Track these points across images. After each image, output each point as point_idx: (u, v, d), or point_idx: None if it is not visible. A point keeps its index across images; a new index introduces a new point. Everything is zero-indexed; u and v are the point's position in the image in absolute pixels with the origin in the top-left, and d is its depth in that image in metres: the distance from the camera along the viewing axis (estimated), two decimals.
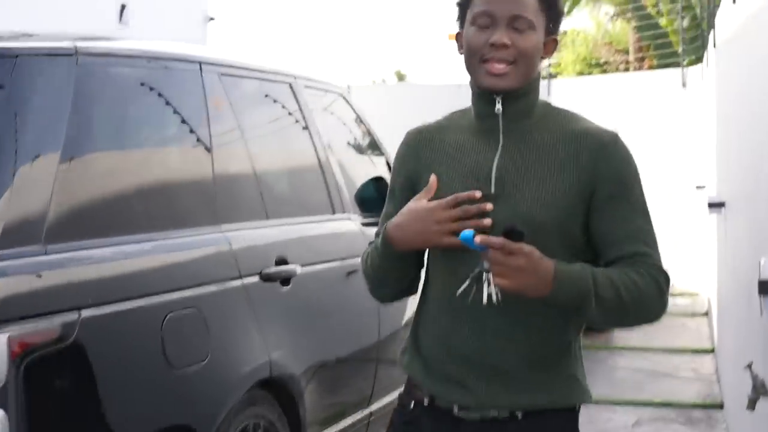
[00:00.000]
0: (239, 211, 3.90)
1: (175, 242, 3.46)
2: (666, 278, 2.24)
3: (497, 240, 2.06)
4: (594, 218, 2.26)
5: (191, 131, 3.79)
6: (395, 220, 2.29)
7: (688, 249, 13.04)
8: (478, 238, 2.08)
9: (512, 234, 2.07)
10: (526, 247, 2.07)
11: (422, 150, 2.40)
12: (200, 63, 3.94)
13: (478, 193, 2.23)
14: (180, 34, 12.80)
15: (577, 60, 23.79)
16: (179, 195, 3.62)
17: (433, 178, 2.29)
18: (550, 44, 2.35)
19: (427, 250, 2.38)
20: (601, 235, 2.26)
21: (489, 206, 2.22)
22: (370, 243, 2.43)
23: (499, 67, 2.25)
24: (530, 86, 2.31)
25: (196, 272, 3.54)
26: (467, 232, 2.12)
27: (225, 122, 3.99)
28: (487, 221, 2.21)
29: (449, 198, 2.23)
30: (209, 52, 4.16)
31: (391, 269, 2.35)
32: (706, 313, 11.41)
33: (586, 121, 2.34)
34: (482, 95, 2.31)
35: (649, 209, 2.31)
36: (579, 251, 2.25)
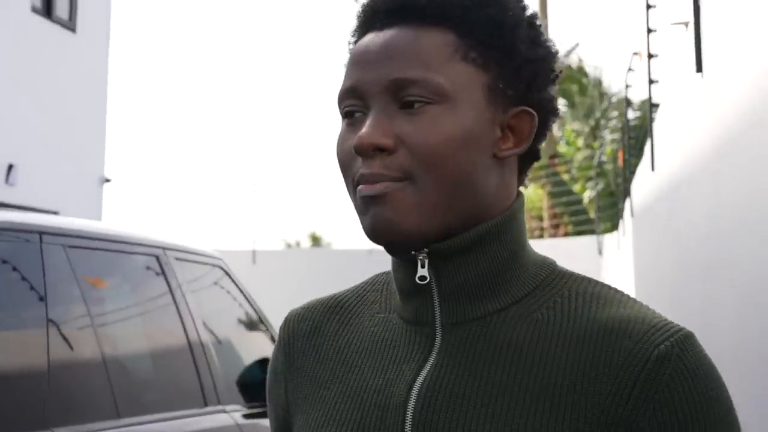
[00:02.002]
0: (78, 412, 3.32)
1: None
2: None
3: None
4: None
5: (24, 314, 3.26)
6: None
7: None
8: None
9: None
10: None
11: (299, 354, 1.33)
12: (40, 233, 3.41)
13: None
14: (75, 196, 12.34)
15: None
16: (1, 391, 3.05)
17: None
18: (520, 124, 1.19)
19: None
20: None
21: None
22: None
23: (371, 189, 1.13)
24: (487, 231, 1.18)
25: None
26: None
27: (68, 302, 3.45)
28: None
29: None
30: (54, 221, 3.63)
31: None
32: None
33: (634, 306, 1.17)
34: (390, 252, 1.22)
35: None
36: None
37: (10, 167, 11.44)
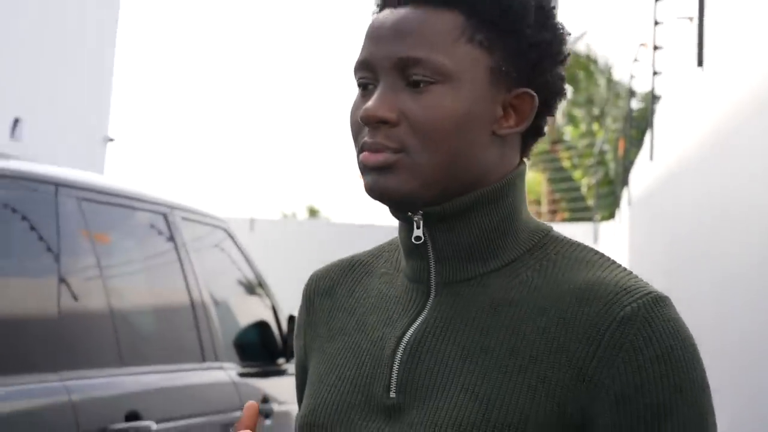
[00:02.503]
0: (86, 356, 3.44)
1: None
2: None
3: None
4: None
5: (38, 261, 3.37)
6: None
7: None
8: None
9: None
10: None
11: (317, 310, 1.43)
12: (56, 185, 3.52)
13: (251, 406, 1.26)
14: (78, 153, 12.40)
15: None
16: (14, 335, 3.16)
17: (249, 405, 1.27)
18: (522, 105, 1.27)
19: None
20: None
21: None
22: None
23: (372, 159, 1.23)
24: (480, 199, 1.25)
25: (24, 429, 3.05)
26: None
27: (80, 253, 3.56)
28: None
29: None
30: (68, 174, 3.73)
31: None
32: None
33: (612, 269, 1.23)
34: (399, 216, 1.32)
35: None
36: None
37: (16, 121, 11.50)
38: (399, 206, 1.25)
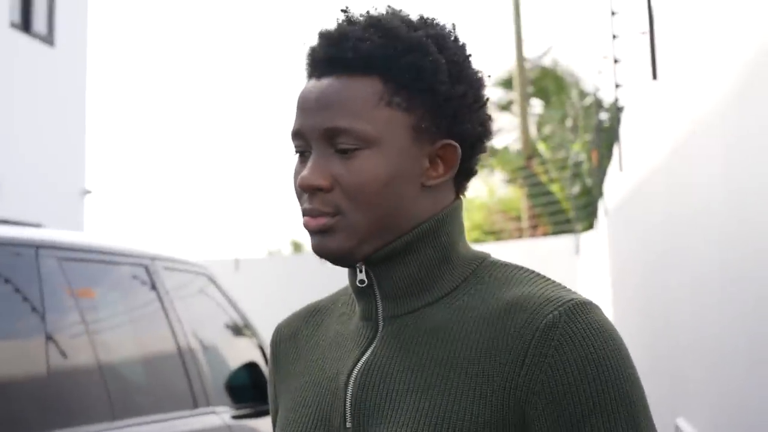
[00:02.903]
0: (78, 413, 3.47)
1: None
2: None
3: None
4: None
5: (23, 323, 3.41)
6: None
7: None
8: None
9: None
10: None
11: (282, 355, 1.54)
12: (36, 247, 3.57)
13: None
14: (56, 207, 12.43)
15: (473, 227, 23.93)
16: (5, 396, 3.20)
17: None
18: (446, 155, 1.36)
19: None
20: None
21: None
22: None
23: (312, 224, 1.33)
24: (413, 241, 1.35)
25: None
26: None
27: (66, 311, 3.61)
28: None
29: None
30: (48, 234, 3.79)
31: None
32: None
33: (539, 283, 1.33)
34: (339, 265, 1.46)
35: None
36: None
37: None
38: (342, 263, 1.36)
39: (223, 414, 4.44)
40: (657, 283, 4.92)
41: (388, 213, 1.33)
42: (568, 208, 20.29)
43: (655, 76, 4.31)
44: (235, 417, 4.50)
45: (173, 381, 4.22)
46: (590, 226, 15.20)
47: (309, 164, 1.33)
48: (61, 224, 11.99)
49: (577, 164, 20.70)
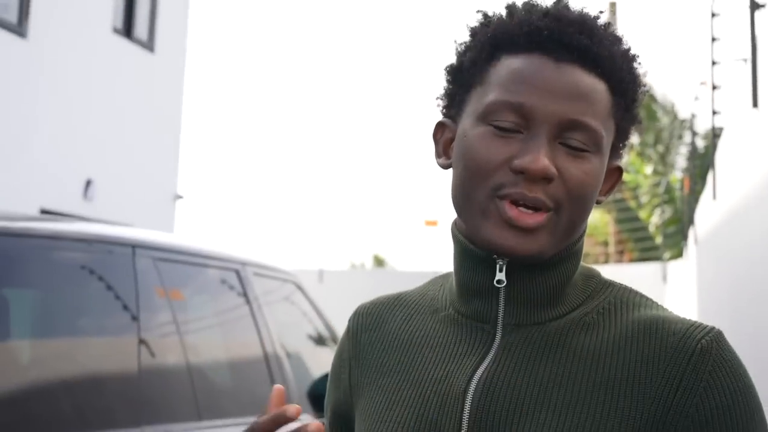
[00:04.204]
0: (166, 411, 3.54)
1: None
2: None
3: None
4: None
5: (118, 320, 3.49)
6: None
7: None
8: None
9: None
10: None
11: (364, 345, 1.44)
12: (133, 246, 3.65)
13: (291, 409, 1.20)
14: (148, 211, 12.66)
15: None
16: (96, 392, 3.28)
17: (277, 389, 1.23)
18: (611, 176, 1.35)
19: None
20: None
21: None
22: None
23: (530, 220, 1.23)
24: (569, 253, 1.31)
25: None
26: None
27: (158, 311, 3.69)
28: None
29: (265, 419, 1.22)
30: (144, 235, 3.88)
31: None
32: None
33: (662, 308, 1.31)
34: (473, 254, 1.31)
35: None
36: None
37: (88, 183, 11.80)
38: (524, 260, 1.26)
39: (305, 421, 4.48)
40: (745, 318, 4.83)
41: (583, 220, 1.28)
42: (656, 235, 20.02)
43: (756, 104, 4.25)
44: None
45: (257, 385, 4.28)
46: (678, 254, 14.99)
47: (535, 148, 1.22)
48: (153, 227, 12.19)
49: (669, 191, 20.43)
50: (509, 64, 1.26)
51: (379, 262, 33.83)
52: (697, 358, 1.21)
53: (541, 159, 1.20)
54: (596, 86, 1.24)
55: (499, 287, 1.29)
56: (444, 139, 1.35)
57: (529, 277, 1.28)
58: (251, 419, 4.09)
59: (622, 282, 1.38)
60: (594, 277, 1.34)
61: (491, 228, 1.24)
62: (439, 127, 1.37)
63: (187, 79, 14.77)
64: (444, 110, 1.36)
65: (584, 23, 1.27)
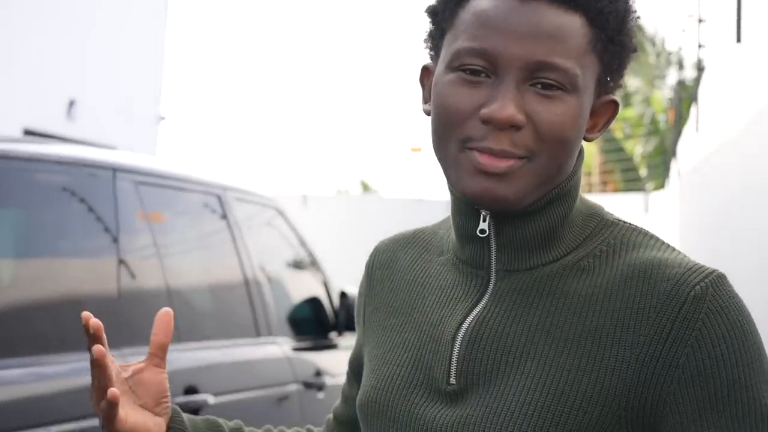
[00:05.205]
0: (145, 333, 3.56)
1: (60, 368, 3.13)
2: None
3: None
4: None
5: (98, 242, 3.50)
6: None
7: None
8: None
9: None
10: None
11: (377, 282, 1.45)
12: (113, 170, 3.65)
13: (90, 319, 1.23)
14: (131, 132, 12.61)
15: None
16: (75, 313, 3.29)
17: (163, 312, 1.30)
18: (604, 111, 1.29)
19: None
20: None
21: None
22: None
23: (501, 164, 1.19)
24: (556, 196, 1.26)
25: (83, 403, 3.17)
26: None
27: (138, 234, 3.69)
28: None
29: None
30: (125, 158, 3.87)
31: None
32: None
33: (668, 249, 1.24)
34: (461, 204, 1.29)
35: None
36: None
37: (71, 103, 11.74)
38: (501, 210, 1.23)
39: (284, 345, 4.53)
40: (725, 248, 4.88)
41: (564, 163, 1.22)
42: (640, 166, 20.08)
43: (739, 39, 4.25)
44: (295, 349, 4.59)
45: (237, 309, 4.31)
46: (661, 186, 15.06)
47: (504, 95, 1.17)
48: (135, 149, 12.16)
49: (654, 122, 20.44)
50: (476, 6, 1.21)
51: (365, 187, 33.84)
52: (689, 305, 1.16)
53: (506, 107, 1.16)
54: (567, 21, 1.18)
55: (481, 236, 1.26)
56: (429, 84, 1.30)
57: (516, 223, 1.25)
58: (231, 342, 4.14)
59: None
60: (595, 216, 1.29)
61: (466, 178, 1.20)
62: (424, 71, 1.33)
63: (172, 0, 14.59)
64: (430, 53, 1.31)
65: None
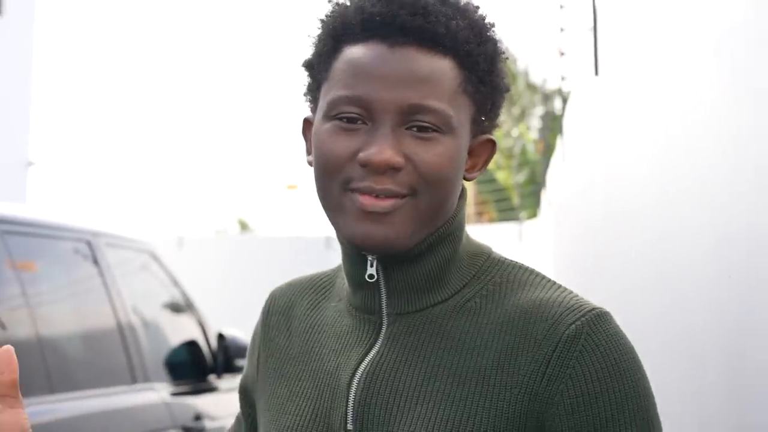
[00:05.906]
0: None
1: None
2: None
3: None
4: None
5: None
6: None
7: None
8: None
9: None
10: None
11: (273, 328, 1.45)
12: None
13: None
14: None
15: None
16: None
17: (4, 350, 1.14)
18: (482, 151, 1.32)
19: None
20: None
21: None
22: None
23: (383, 203, 1.21)
24: (440, 237, 1.28)
25: None
26: None
27: (7, 283, 3.62)
28: None
29: None
30: None
31: None
32: None
33: (553, 289, 1.28)
34: (349, 250, 1.31)
35: None
36: None
37: None
38: (385, 252, 1.24)
39: (162, 390, 4.46)
40: (598, 273, 4.99)
41: (446, 202, 1.25)
42: (513, 196, 20.45)
43: (597, 72, 4.40)
44: (173, 394, 4.53)
45: (112, 356, 4.24)
46: (534, 215, 15.35)
47: (381, 140, 1.21)
48: (3, 196, 11.87)
49: (524, 153, 20.86)
50: (348, 55, 1.24)
51: (243, 226, 33.61)
52: (563, 344, 1.19)
53: (383, 150, 1.19)
54: (437, 65, 1.22)
55: (370, 281, 1.28)
56: (310, 136, 1.32)
57: (403, 266, 1.27)
58: (106, 390, 4.06)
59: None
60: (482, 255, 1.32)
61: (349, 221, 1.23)
62: (306, 123, 1.35)
63: (38, 43, 14.34)
64: (310, 106, 1.34)
65: (416, 3, 1.23)
